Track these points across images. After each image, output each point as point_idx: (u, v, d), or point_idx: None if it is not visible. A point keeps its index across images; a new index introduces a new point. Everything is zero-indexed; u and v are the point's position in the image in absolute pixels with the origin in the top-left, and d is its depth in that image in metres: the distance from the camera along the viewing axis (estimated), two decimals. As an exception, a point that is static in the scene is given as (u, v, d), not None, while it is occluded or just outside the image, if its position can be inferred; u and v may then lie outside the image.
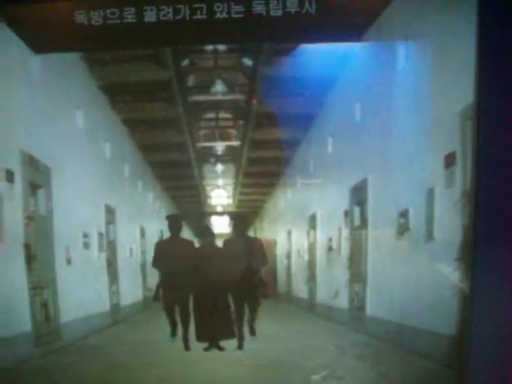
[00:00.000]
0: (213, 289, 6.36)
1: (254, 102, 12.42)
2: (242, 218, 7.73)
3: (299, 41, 8.25)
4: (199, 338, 6.43)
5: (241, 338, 6.82)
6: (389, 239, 7.48)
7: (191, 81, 14.99)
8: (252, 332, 7.00)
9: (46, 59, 7.23)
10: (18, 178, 6.51)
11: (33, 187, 7.22)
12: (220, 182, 25.49)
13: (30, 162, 6.97)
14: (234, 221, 7.68)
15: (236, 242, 7.03)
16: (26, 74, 7.00)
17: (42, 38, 6.51)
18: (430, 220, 6.30)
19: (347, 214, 9.76)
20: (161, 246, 7.37)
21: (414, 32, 6.64)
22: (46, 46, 6.70)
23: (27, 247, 6.76)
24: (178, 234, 7.28)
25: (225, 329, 6.33)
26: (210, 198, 27.07)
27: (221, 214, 27.72)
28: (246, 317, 6.91)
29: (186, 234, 7.16)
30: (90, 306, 9.13)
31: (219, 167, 22.27)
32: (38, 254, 7.05)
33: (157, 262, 7.28)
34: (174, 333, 7.19)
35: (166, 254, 7.10)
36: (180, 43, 9.49)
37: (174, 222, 7.32)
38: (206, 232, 7.35)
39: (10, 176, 6.28)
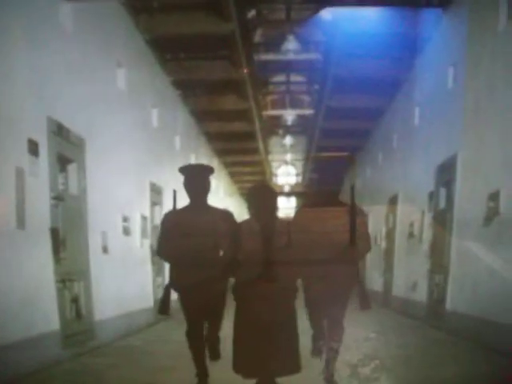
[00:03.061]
0: (271, 293, 4.30)
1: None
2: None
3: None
4: (245, 372, 4.40)
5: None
6: (476, 225, 7.53)
7: (258, 36, 14.63)
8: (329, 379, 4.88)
9: (80, 7, 6.99)
10: (43, 151, 6.24)
11: (62, 162, 7.01)
12: (288, 157, 25.17)
13: (59, 132, 6.71)
14: (318, 174, 5.21)
15: (322, 214, 4.68)
16: (55, 25, 6.72)
17: (74, -20, 6.28)
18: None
19: (432, 195, 9.87)
20: (172, 221, 4.92)
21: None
22: None
23: (54, 233, 6.52)
24: (204, 199, 4.96)
25: (287, 358, 4.32)
26: (276, 175, 26.91)
27: (288, 194, 27.47)
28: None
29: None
30: (130, 301, 9.00)
31: (288, 140, 21.94)
32: (67, 240, 6.85)
33: (164, 248, 4.93)
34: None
35: (183, 235, 4.72)
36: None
37: (193, 178, 4.92)
38: (259, 193, 4.51)
39: (33, 147, 6.00)
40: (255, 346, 4.18)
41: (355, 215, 4.53)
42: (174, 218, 4.94)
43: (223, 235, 4.67)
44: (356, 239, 4.52)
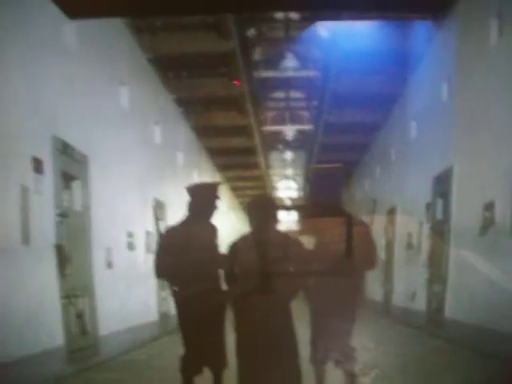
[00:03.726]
0: (268, 306, 4.17)
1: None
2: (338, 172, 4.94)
3: (382, 14, 8.01)
4: None
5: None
6: (472, 234, 7.51)
7: (257, 54, 14.62)
8: None
9: (84, 26, 6.93)
10: (48, 168, 6.16)
11: (66, 179, 6.92)
12: (289, 171, 25.11)
13: (64, 150, 6.63)
14: (316, 186, 4.98)
15: (323, 225, 4.47)
16: (59, 45, 6.65)
17: (78, 1, 6.22)
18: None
19: (429, 206, 9.88)
20: (172, 238, 4.70)
21: (509, 8, 6.76)
22: (83, 10, 6.44)
23: (59, 249, 6.41)
24: (209, 215, 4.74)
25: (288, 372, 4.16)
26: (276, 189, 26.83)
27: (288, 208, 27.26)
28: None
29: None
30: (135, 315, 8.88)
31: (288, 154, 21.88)
32: (72, 256, 6.73)
33: (165, 268, 4.65)
34: None
35: (182, 250, 4.48)
36: (246, 9, 9.16)
37: (199, 194, 4.73)
38: (259, 205, 4.43)
39: (38, 165, 5.92)
40: (256, 360, 4.07)
41: (351, 226, 4.38)
42: (175, 234, 4.74)
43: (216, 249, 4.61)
44: (353, 250, 4.27)
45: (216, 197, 4.80)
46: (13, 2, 5.55)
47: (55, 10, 6.26)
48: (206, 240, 4.64)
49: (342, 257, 4.25)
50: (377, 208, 14.65)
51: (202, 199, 4.73)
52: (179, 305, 4.71)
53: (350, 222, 4.35)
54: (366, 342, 7.68)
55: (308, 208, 5.08)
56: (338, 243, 4.32)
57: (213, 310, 4.54)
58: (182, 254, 4.49)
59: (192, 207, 4.74)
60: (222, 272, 4.56)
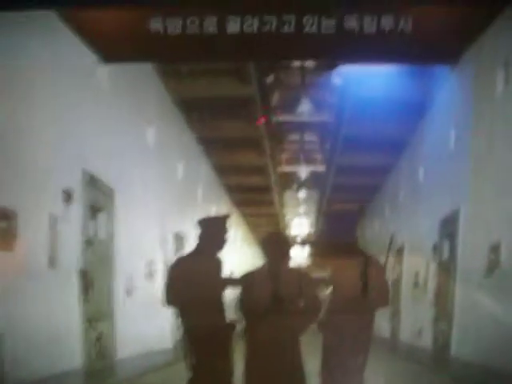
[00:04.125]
0: (279, 339, 4.19)
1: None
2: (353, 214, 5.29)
3: (393, 61, 8.07)
4: None
5: None
6: (478, 275, 7.31)
7: (275, 99, 14.80)
8: None
9: (116, 69, 7.12)
10: (77, 199, 6.33)
11: (93, 210, 7.05)
12: (302, 209, 25.09)
13: (92, 183, 6.80)
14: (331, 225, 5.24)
15: (339, 262, 4.55)
16: (92, 85, 6.88)
17: (112, 46, 6.41)
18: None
19: (436, 247, 9.73)
20: (181, 267, 4.77)
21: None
22: (117, 54, 6.60)
23: (83, 274, 6.52)
24: (217, 247, 4.80)
25: None
26: (289, 226, 26.81)
27: (301, 243, 27.28)
28: None
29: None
30: (151, 341, 8.85)
31: (302, 194, 21.91)
32: (95, 282, 6.82)
33: (174, 296, 4.69)
34: None
35: (193, 282, 4.51)
36: (265, 57, 9.33)
37: (209, 226, 4.80)
38: (272, 241, 4.53)
39: (67, 196, 6.09)
40: None
41: (367, 264, 4.42)
42: (184, 264, 4.81)
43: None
44: (368, 288, 4.34)
45: (225, 229, 4.83)
46: (50, 43, 5.76)
47: (89, 52, 6.49)
48: (212, 271, 4.70)
49: (357, 294, 4.32)
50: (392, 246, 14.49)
51: (211, 232, 4.78)
52: (186, 332, 4.71)
53: (365, 260, 4.42)
54: (374, 378, 7.60)
55: (324, 246, 5.08)
56: (353, 280, 4.38)
57: (218, 339, 4.55)
58: (189, 284, 4.51)
59: (201, 239, 4.81)
60: (230, 302, 4.63)
